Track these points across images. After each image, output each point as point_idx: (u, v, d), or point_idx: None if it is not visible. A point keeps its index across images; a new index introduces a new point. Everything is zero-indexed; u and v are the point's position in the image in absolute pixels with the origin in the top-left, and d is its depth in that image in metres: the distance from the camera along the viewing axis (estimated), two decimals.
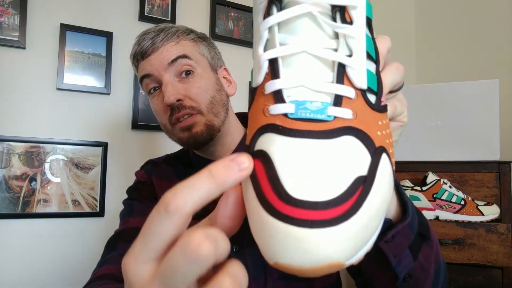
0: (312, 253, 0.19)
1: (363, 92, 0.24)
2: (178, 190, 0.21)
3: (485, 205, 1.16)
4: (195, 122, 0.67)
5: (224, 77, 0.77)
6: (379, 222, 0.22)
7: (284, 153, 0.22)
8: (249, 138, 0.25)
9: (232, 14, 1.59)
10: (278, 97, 0.23)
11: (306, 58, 0.24)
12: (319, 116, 0.22)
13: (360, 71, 0.24)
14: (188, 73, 0.68)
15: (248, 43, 1.60)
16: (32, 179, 1.20)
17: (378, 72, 0.27)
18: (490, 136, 1.23)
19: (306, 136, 0.22)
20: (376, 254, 0.42)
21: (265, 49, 0.25)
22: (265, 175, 0.22)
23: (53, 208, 1.22)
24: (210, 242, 0.19)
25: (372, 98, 0.25)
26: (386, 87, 0.29)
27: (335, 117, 0.23)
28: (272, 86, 0.24)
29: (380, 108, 0.25)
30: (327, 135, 0.22)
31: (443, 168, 1.28)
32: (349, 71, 0.23)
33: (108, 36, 1.33)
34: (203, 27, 1.53)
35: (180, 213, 0.20)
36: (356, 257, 0.21)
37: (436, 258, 0.47)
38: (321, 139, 0.22)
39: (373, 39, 0.27)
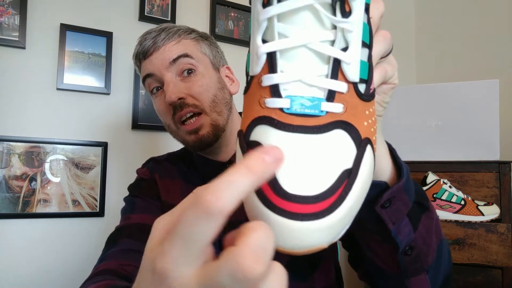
0: (302, 241, 0.22)
1: (354, 85, 0.25)
2: (217, 189, 0.19)
3: (485, 205, 1.16)
4: (201, 124, 0.67)
5: (226, 76, 0.76)
6: (358, 208, 0.25)
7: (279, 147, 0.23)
8: (245, 126, 0.26)
9: (232, 14, 1.59)
10: (274, 91, 0.24)
11: (304, 52, 0.24)
12: (313, 112, 0.24)
13: (354, 65, 0.25)
14: (189, 72, 0.68)
15: (248, 43, 1.60)
16: (32, 179, 1.20)
17: (370, 58, 0.27)
18: (490, 136, 1.23)
19: (299, 131, 0.24)
20: (374, 224, 0.42)
21: (263, 39, 0.25)
22: None
23: (53, 208, 1.22)
24: (263, 265, 0.18)
25: (362, 87, 0.26)
26: (375, 58, 0.30)
27: (327, 112, 0.24)
28: (270, 80, 0.24)
29: (369, 97, 0.27)
30: (319, 129, 0.24)
31: (443, 168, 1.28)
32: (343, 66, 0.24)
33: (108, 36, 1.33)
34: (203, 27, 1.53)
35: (224, 213, 0.19)
36: (336, 238, 0.24)
37: (437, 232, 0.46)
38: (314, 134, 0.24)
39: (369, 22, 0.27)
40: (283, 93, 0.24)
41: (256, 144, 0.24)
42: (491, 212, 1.14)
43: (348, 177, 0.23)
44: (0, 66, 1.19)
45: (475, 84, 1.27)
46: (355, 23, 0.24)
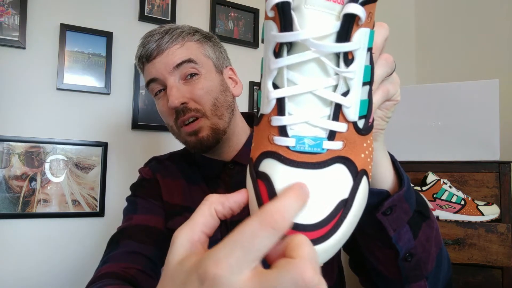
0: None
1: (354, 123, 0.28)
2: (282, 209, 0.23)
3: (485, 205, 1.16)
4: (200, 127, 0.67)
5: (230, 77, 0.76)
6: (351, 232, 0.28)
7: (284, 180, 0.27)
8: (255, 156, 0.29)
9: (232, 14, 1.59)
10: (282, 130, 0.28)
11: (310, 97, 0.27)
12: (315, 150, 0.27)
13: (353, 108, 0.28)
14: (192, 75, 0.68)
15: (248, 43, 1.60)
16: (32, 179, 1.20)
17: (370, 93, 0.30)
18: (490, 136, 1.23)
19: (303, 166, 0.27)
20: (376, 231, 0.43)
21: (273, 83, 0.28)
22: (268, 197, 0.27)
23: (53, 208, 1.22)
24: (319, 275, 0.22)
25: (361, 123, 0.29)
26: (376, 82, 0.33)
27: (328, 150, 0.27)
28: (278, 121, 0.28)
29: (367, 130, 0.30)
30: (319, 165, 0.27)
31: (443, 168, 1.28)
32: (344, 109, 0.27)
33: (108, 36, 1.33)
34: (203, 27, 1.52)
35: (286, 230, 0.23)
36: (329, 258, 0.27)
37: (437, 240, 0.47)
38: (315, 169, 0.27)
39: (371, 60, 0.30)
40: (289, 132, 0.27)
41: (265, 177, 0.28)
42: (491, 212, 1.14)
43: (344, 206, 0.27)
44: (0, 66, 1.19)
45: (475, 84, 1.27)
46: (356, 71, 0.27)
